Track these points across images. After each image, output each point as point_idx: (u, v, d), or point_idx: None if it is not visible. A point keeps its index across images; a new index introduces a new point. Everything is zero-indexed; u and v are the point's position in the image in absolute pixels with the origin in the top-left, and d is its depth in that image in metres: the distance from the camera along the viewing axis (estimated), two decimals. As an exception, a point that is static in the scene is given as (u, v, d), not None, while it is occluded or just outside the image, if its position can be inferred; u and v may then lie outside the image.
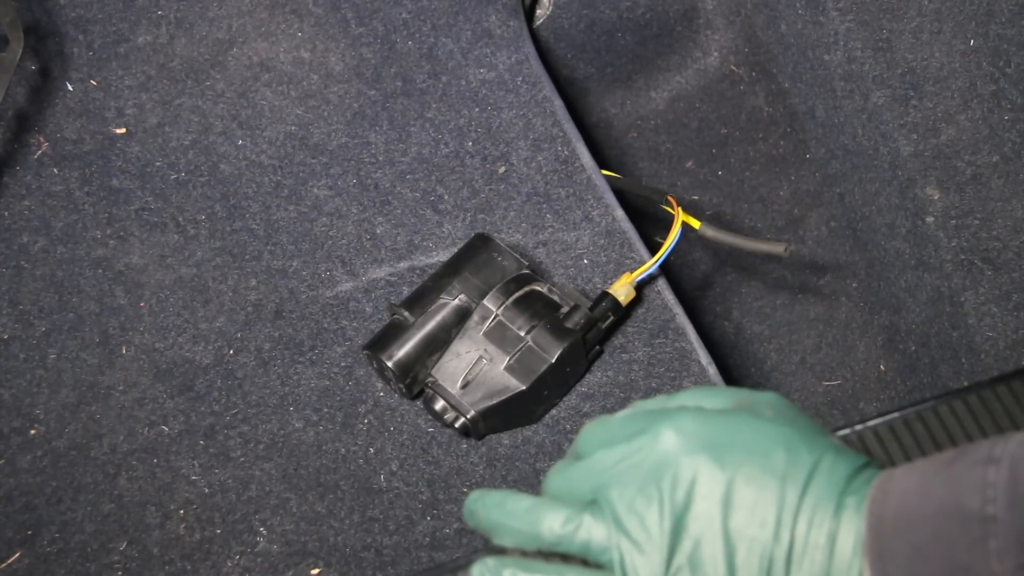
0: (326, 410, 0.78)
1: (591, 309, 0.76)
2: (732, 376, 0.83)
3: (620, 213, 0.86)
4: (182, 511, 0.75)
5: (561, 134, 0.90)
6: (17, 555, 0.73)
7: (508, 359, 0.74)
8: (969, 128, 0.87)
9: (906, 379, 0.96)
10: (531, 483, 0.77)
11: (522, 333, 0.74)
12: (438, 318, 0.75)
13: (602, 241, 0.85)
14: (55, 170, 0.85)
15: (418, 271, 0.84)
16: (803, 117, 1.07)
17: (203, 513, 0.74)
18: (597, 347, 0.79)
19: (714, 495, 0.40)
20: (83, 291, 0.81)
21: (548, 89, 0.92)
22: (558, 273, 0.84)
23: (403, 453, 0.77)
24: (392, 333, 0.75)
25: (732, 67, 1.15)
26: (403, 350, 0.74)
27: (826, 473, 0.40)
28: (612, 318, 0.78)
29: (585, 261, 0.85)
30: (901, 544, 0.39)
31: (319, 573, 0.73)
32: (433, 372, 0.75)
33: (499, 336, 0.74)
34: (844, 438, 0.52)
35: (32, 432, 0.77)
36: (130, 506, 0.75)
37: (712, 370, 0.81)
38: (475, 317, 0.75)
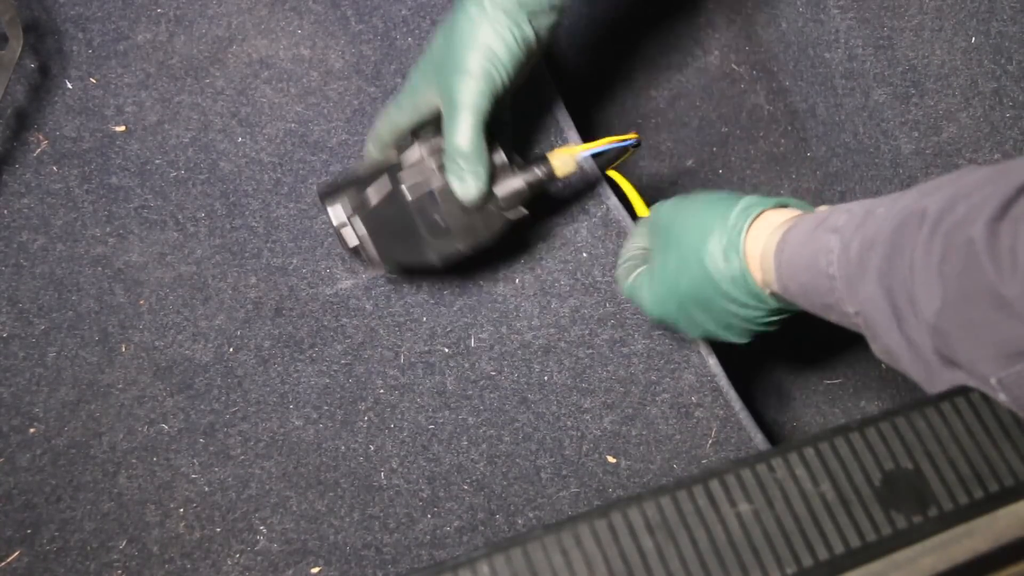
0: (326, 408, 0.78)
1: (520, 168, 0.73)
2: (732, 369, 0.83)
3: (613, 202, 0.86)
4: (182, 509, 0.74)
5: (560, 131, 0.90)
6: (16, 554, 0.73)
7: (409, 183, 0.72)
8: (971, 126, 0.87)
9: (907, 377, 0.96)
10: (532, 480, 0.77)
11: (434, 166, 0.72)
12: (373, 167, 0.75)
13: (599, 232, 0.85)
14: (54, 168, 0.85)
15: (418, 269, 0.83)
16: (804, 115, 1.07)
17: (203, 511, 0.74)
18: (524, 211, 0.75)
19: None
20: (82, 289, 0.81)
21: (547, 86, 0.92)
22: (558, 268, 0.84)
23: (403, 450, 0.77)
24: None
25: (733, 65, 1.15)
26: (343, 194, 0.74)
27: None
28: (541, 178, 0.73)
29: (584, 255, 0.85)
30: (793, 282, 0.55)
31: (319, 572, 0.73)
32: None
33: (417, 169, 0.72)
34: (847, 437, 0.52)
35: (31, 430, 0.76)
36: (130, 504, 0.75)
37: (712, 361, 0.81)
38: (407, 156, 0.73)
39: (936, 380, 0.48)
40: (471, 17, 0.67)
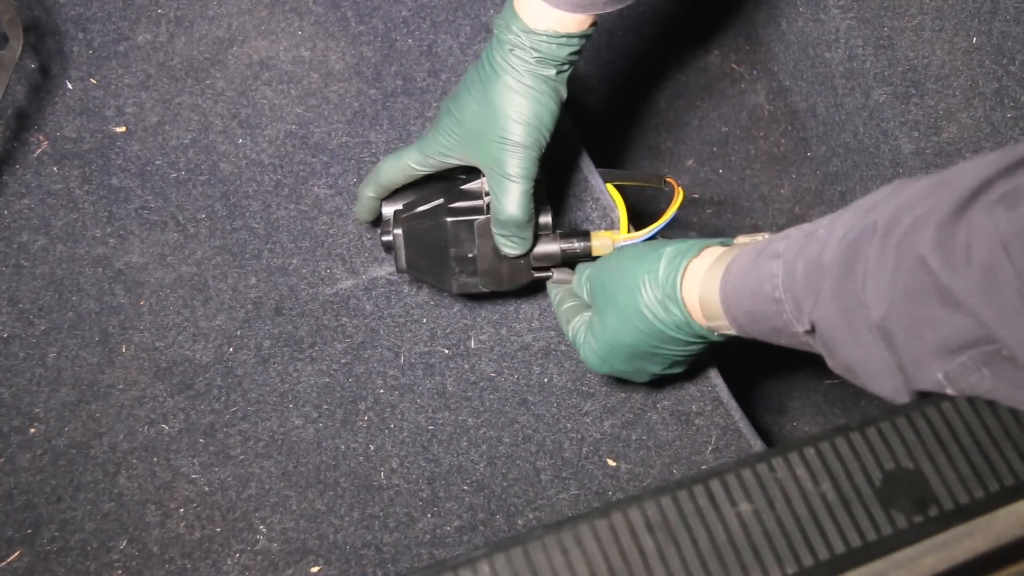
0: (326, 407, 0.78)
1: (562, 236, 0.75)
2: (733, 374, 0.83)
3: (617, 214, 0.86)
4: (182, 509, 0.74)
5: (560, 132, 0.90)
6: (17, 553, 0.73)
7: (456, 206, 0.74)
8: (971, 126, 0.87)
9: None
10: (532, 481, 0.77)
11: (485, 202, 0.74)
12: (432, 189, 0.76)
13: (602, 238, 0.85)
14: (55, 168, 0.85)
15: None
16: (804, 115, 1.07)
17: (203, 511, 0.74)
18: (550, 273, 0.77)
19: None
20: (83, 290, 0.81)
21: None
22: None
23: (403, 450, 0.77)
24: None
25: (733, 65, 1.15)
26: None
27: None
28: (576, 252, 0.76)
29: (586, 259, 0.85)
30: (739, 311, 0.57)
31: (319, 571, 0.73)
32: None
33: (471, 198, 0.74)
34: (848, 437, 0.52)
35: (32, 431, 0.76)
36: (130, 504, 0.75)
37: (713, 372, 0.81)
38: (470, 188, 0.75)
39: (891, 390, 0.49)
40: (512, 88, 0.67)
